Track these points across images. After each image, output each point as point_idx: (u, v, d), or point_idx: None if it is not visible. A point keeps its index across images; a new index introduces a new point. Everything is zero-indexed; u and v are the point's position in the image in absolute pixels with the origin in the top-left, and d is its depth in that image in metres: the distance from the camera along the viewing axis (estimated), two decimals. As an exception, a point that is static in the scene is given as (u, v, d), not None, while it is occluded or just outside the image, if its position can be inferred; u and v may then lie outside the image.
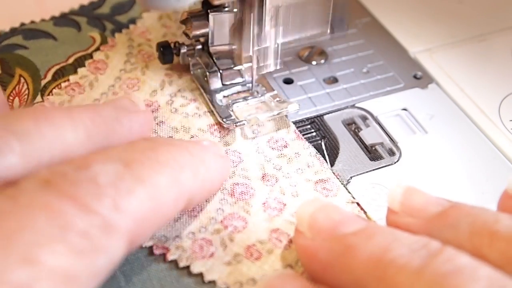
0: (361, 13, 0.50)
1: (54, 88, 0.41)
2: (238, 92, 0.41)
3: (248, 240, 0.33)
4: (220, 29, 0.40)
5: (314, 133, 0.41)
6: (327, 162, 0.37)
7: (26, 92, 0.41)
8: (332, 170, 0.38)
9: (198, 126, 0.39)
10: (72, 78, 0.42)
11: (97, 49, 0.44)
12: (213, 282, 0.31)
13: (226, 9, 0.39)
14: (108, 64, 0.43)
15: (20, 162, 0.28)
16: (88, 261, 0.25)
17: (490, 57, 0.46)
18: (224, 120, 0.39)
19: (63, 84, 0.41)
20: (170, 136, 0.39)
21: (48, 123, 0.30)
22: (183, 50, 0.41)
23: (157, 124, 0.39)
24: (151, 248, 0.33)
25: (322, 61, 0.46)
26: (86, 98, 0.41)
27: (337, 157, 0.39)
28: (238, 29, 0.39)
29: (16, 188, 0.26)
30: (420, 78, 0.45)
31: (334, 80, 0.44)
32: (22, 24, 0.45)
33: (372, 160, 0.39)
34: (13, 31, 0.45)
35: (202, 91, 0.41)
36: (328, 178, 0.37)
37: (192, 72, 0.42)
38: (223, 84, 0.41)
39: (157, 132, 0.39)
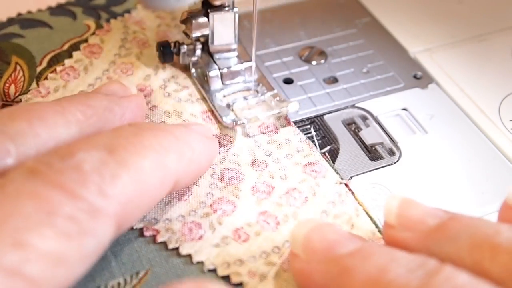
0: (361, 13, 0.50)
1: (49, 73, 0.42)
2: (238, 92, 0.42)
3: (236, 223, 0.34)
4: (220, 29, 0.40)
5: (314, 133, 0.41)
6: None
7: (22, 79, 0.41)
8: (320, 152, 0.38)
9: (190, 111, 0.40)
10: (67, 62, 0.42)
11: (93, 34, 0.45)
12: (201, 263, 0.32)
13: (226, 8, 0.39)
14: (103, 48, 0.44)
15: (16, 164, 0.28)
16: (76, 244, 0.25)
17: (490, 57, 0.46)
18: (224, 119, 0.39)
19: (58, 69, 0.42)
20: (162, 121, 0.39)
21: (42, 122, 0.30)
22: (183, 49, 0.41)
23: (150, 108, 0.40)
24: (141, 230, 0.34)
25: (322, 61, 0.46)
26: (81, 83, 0.41)
27: (337, 157, 0.39)
28: (238, 27, 0.39)
29: (4, 178, 0.27)
30: (420, 78, 0.45)
31: (334, 80, 0.44)
32: (19, 14, 0.46)
33: (372, 160, 0.39)
34: (10, 21, 0.45)
35: (202, 90, 0.41)
36: (317, 161, 0.38)
37: (192, 72, 0.42)
38: (223, 84, 0.41)
39: (149, 117, 0.39)
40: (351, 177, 0.38)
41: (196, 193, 0.36)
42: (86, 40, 0.44)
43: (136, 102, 0.35)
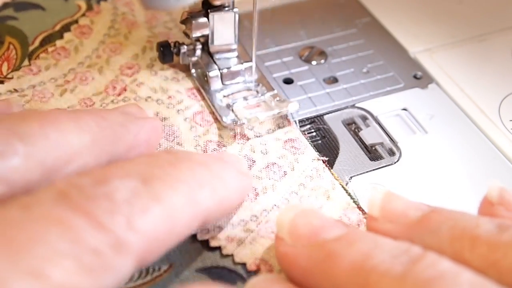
0: (361, 13, 0.50)
1: (41, 53, 0.43)
2: (238, 92, 0.42)
3: None
4: (220, 29, 0.40)
5: (314, 133, 0.41)
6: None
7: (15, 57, 0.43)
8: (300, 130, 0.40)
9: (176, 89, 0.41)
10: (59, 43, 0.44)
11: (83, 15, 0.46)
12: None
13: (226, 8, 0.39)
14: (93, 29, 0.45)
15: (23, 164, 0.28)
16: (95, 279, 0.24)
17: (490, 57, 0.46)
18: (224, 119, 0.39)
19: (49, 49, 0.43)
20: (148, 97, 0.40)
21: (53, 126, 0.29)
22: (183, 50, 0.41)
23: (136, 85, 0.41)
24: None
25: (322, 61, 0.46)
26: (71, 62, 0.43)
27: (337, 157, 0.39)
28: (238, 27, 0.39)
29: (31, 197, 0.26)
30: (420, 78, 0.45)
31: (334, 80, 0.44)
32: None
33: (372, 160, 0.39)
34: (5, 5, 0.47)
35: (202, 90, 0.41)
36: (296, 137, 0.39)
37: (192, 72, 0.42)
38: (223, 84, 0.41)
39: (136, 93, 0.41)
40: (351, 177, 0.38)
41: None
42: (76, 21, 0.46)
43: (152, 124, 0.35)
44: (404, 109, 0.42)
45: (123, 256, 0.25)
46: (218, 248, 0.33)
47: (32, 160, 0.28)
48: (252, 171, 0.37)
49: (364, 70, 0.45)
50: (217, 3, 0.39)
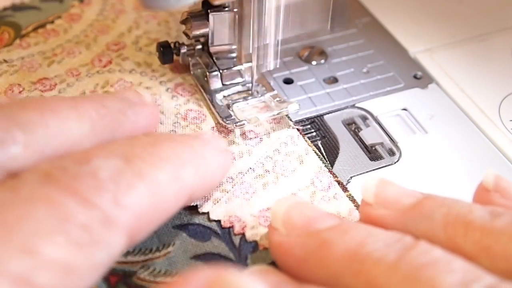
0: (361, 13, 0.50)
1: (31, 33, 0.46)
2: (238, 92, 0.42)
3: None
4: (220, 29, 0.40)
5: (314, 133, 0.41)
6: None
7: (7, 37, 0.45)
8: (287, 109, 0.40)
9: (159, 63, 0.42)
10: (49, 26, 0.46)
11: (73, 6, 0.49)
12: None
13: (226, 8, 0.39)
14: (82, 16, 0.47)
15: (23, 153, 0.28)
16: (87, 254, 0.25)
17: (490, 57, 0.46)
18: (224, 120, 0.39)
19: (39, 30, 0.46)
20: (132, 69, 0.43)
21: (53, 115, 0.29)
22: (183, 50, 0.41)
23: (122, 59, 0.44)
24: None
25: (322, 61, 0.46)
26: (60, 40, 0.45)
27: (337, 157, 0.39)
28: (238, 27, 0.39)
29: (17, 180, 0.26)
30: (420, 78, 0.45)
31: (334, 80, 0.44)
32: (13, 4, 0.49)
33: (372, 160, 0.39)
34: (4, 9, 0.48)
35: (202, 90, 0.41)
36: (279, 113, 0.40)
37: (192, 72, 0.42)
38: (223, 84, 0.41)
39: (121, 65, 0.43)
40: (351, 177, 0.38)
41: (160, 130, 0.38)
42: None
43: (150, 110, 0.35)
44: (404, 109, 0.42)
45: (112, 231, 0.26)
46: (195, 207, 0.35)
47: (31, 149, 0.28)
48: (229, 137, 0.39)
49: (364, 70, 0.45)
50: (217, 3, 0.39)
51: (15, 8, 0.48)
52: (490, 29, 0.49)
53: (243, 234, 0.34)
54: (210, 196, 0.35)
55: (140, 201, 0.27)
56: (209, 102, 0.40)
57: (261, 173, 0.37)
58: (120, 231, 0.26)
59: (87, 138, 0.30)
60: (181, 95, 0.41)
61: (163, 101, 0.41)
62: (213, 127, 0.39)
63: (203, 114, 0.40)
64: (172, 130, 0.39)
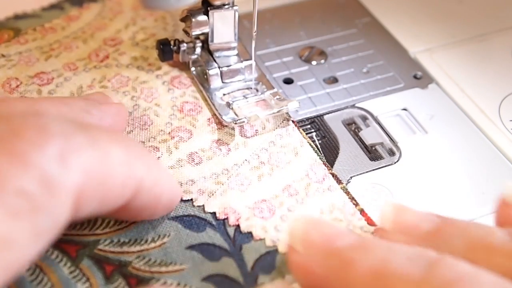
0: (361, 13, 0.50)
1: (29, 31, 0.46)
2: (238, 90, 0.41)
3: (191, 148, 0.38)
4: (220, 26, 0.39)
5: (314, 133, 0.41)
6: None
7: (7, 38, 0.46)
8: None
9: (155, 56, 0.43)
10: (47, 24, 0.47)
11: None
12: None
13: (226, 6, 0.39)
14: (80, 18, 0.48)
15: None
16: (26, 223, 0.23)
17: (490, 57, 0.46)
18: (224, 118, 0.39)
19: (37, 28, 0.46)
20: (129, 64, 0.43)
21: (7, 109, 0.27)
22: (183, 47, 0.41)
23: (119, 54, 0.44)
24: None
25: (322, 61, 0.45)
26: (57, 36, 0.46)
27: (337, 157, 0.39)
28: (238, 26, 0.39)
29: None
30: (420, 78, 0.45)
31: (334, 80, 0.44)
32: (15, 14, 0.48)
33: (372, 160, 0.39)
34: (7, 19, 0.48)
35: (202, 89, 0.41)
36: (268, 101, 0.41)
37: (192, 70, 0.42)
38: (223, 82, 0.41)
39: (117, 60, 0.44)
40: (351, 177, 0.37)
41: (156, 123, 0.39)
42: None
43: (117, 109, 0.34)
44: (404, 109, 0.42)
45: (55, 195, 0.24)
46: (190, 201, 0.35)
47: None
48: (225, 129, 0.39)
49: (364, 70, 0.45)
50: (217, 3, 0.39)
51: (17, 17, 0.48)
52: (490, 29, 0.48)
53: (238, 226, 0.34)
54: (205, 189, 0.36)
55: (88, 165, 0.25)
56: (209, 100, 0.40)
57: (256, 165, 0.37)
58: (64, 195, 0.24)
59: None
60: (177, 88, 0.42)
61: (159, 94, 0.41)
62: (209, 119, 0.40)
63: (199, 106, 0.40)
64: (168, 123, 0.39)
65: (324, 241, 0.29)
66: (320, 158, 0.38)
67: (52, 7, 0.49)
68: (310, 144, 0.39)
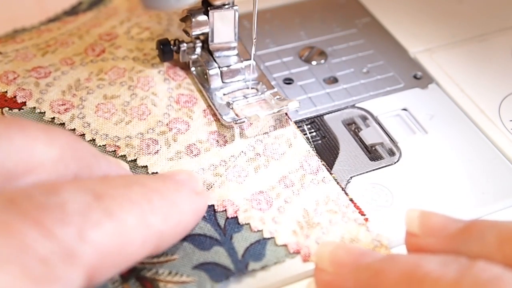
0: (361, 13, 0.50)
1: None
2: (238, 90, 0.41)
3: (189, 140, 0.39)
4: (220, 26, 0.39)
5: (314, 133, 0.41)
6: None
7: (3, 40, 0.46)
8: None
9: (150, 47, 0.44)
10: (43, 27, 0.47)
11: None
12: (156, 173, 0.37)
13: (226, 6, 0.39)
14: (76, 21, 0.48)
15: None
16: None
17: (490, 57, 0.46)
18: (224, 118, 0.39)
19: (33, 30, 0.47)
20: (125, 56, 0.43)
21: (20, 132, 0.28)
22: (183, 47, 0.41)
23: (114, 48, 0.44)
24: (104, 146, 0.38)
25: (322, 61, 0.45)
26: (54, 34, 0.46)
27: (337, 157, 0.39)
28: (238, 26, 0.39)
29: None
30: (420, 78, 0.45)
31: (334, 80, 0.44)
32: (14, 29, 0.48)
33: (372, 160, 0.39)
34: (7, 35, 0.48)
35: (202, 89, 0.41)
36: (264, 98, 0.41)
37: (192, 70, 0.42)
38: (223, 82, 0.41)
39: (113, 54, 0.44)
40: (351, 177, 0.37)
41: (153, 113, 0.40)
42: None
43: (123, 167, 0.35)
44: (404, 109, 0.42)
45: (72, 267, 0.25)
46: None
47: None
48: (221, 121, 0.39)
49: (364, 70, 0.45)
50: (218, 3, 0.39)
51: (16, 31, 0.48)
52: (490, 29, 0.48)
53: (235, 218, 0.34)
54: (204, 181, 0.36)
55: (105, 239, 0.26)
56: (209, 100, 0.40)
57: (252, 156, 0.38)
58: (80, 269, 0.25)
59: (53, 164, 0.28)
60: (173, 78, 0.42)
61: (156, 83, 0.42)
62: (205, 110, 0.40)
63: (194, 98, 0.41)
64: (166, 113, 0.40)
65: (353, 259, 0.30)
66: (313, 149, 0.39)
67: (50, 21, 0.49)
68: (303, 137, 0.39)
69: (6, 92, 0.40)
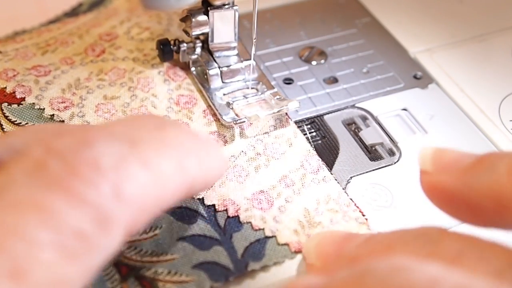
0: (361, 13, 0.50)
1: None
2: (238, 90, 0.41)
3: None
4: (220, 26, 0.39)
5: (314, 133, 0.41)
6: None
7: (3, 40, 0.46)
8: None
9: (150, 47, 0.44)
10: (43, 28, 0.47)
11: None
12: None
13: (226, 6, 0.39)
14: (76, 22, 0.48)
15: None
16: (81, 264, 0.23)
17: (490, 57, 0.46)
18: (224, 118, 0.39)
19: (33, 30, 0.47)
20: (125, 57, 0.44)
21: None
22: (183, 47, 0.41)
23: (115, 48, 0.44)
24: None
25: (322, 61, 0.45)
26: (52, 33, 0.46)
27: (337, 157, 0.39)
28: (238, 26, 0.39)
29: (3, 178, 0.24)
30: (420, 78, 0.45)
31: (334, 80, 0.44)
32: (14, 31, 0.48)
33: (372, 160, 0.39)
34: (7, 37, 0.48)
35: (202, 89, 0.41)
36: (264, 98, 0.41)
37: (192, 70, 0.42)
38: (223, 82, 0.41)
39: (114, 54, 0.44)
40: (351, 177, 0.37)
41: (154, 114, 0.40)
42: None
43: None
44: (404, 109, 0.42)
45: (109, 231, 0.24)
46: None
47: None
48: (221, 121, 0.39)
49: (364, 70, 0.45)
50: (218, 3, 0.39)
51: (16, 33, 0.48)
52: (490, 29, 0.48)
53: (237, 217, 0.35)
54: None
55: (142, 193, 0.25)
56: (209, 100, 0.40)
57: (252, 156, 0.38)
58: (117, 230, 0.24)
59: None
60: (173, 79, 0.42)
61: (155, 84, 0.41)
62: (205, 110, 0.40)
63: (194, 98, 0.41)
64: (166, 115, 0.40)
65: (336, 247, 0.30)
66: (313, 148, 0.39)
67: (50, 22, 0.49)
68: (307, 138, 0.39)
69: (5, 87, 0.40)
